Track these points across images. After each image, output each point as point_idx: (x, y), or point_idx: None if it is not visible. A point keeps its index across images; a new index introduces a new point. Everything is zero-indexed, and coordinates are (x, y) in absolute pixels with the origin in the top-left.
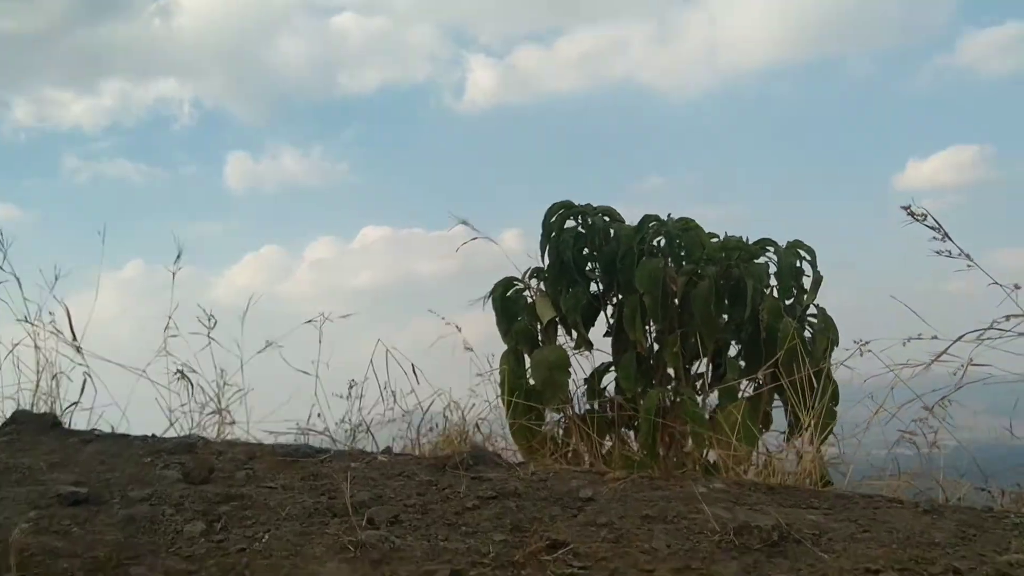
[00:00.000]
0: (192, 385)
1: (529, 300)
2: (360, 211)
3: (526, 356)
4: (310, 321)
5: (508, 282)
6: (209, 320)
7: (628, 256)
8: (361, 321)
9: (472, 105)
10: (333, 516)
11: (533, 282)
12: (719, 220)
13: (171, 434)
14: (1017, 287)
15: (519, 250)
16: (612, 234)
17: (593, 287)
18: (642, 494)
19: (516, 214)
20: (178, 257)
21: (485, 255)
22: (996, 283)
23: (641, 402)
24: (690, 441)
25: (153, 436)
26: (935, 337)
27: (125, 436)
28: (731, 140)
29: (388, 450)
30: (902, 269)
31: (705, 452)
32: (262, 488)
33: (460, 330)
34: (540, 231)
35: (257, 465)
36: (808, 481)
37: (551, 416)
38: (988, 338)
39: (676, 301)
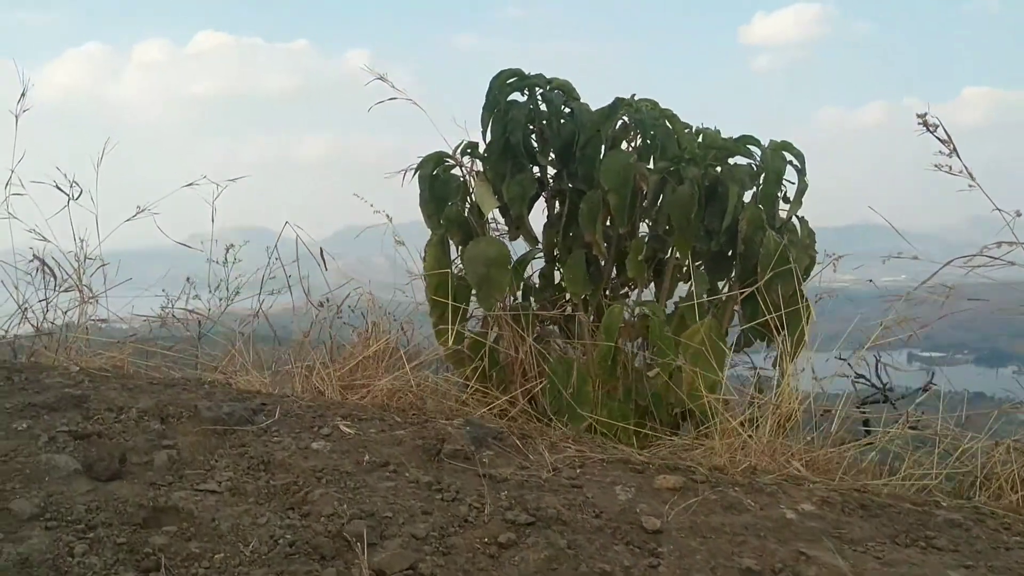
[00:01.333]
0: (47, 268)
1: (462, 181)
2: (195, 14)
3: (454, 247)
4: (190, 185)
5: (438, 158)
6: (71, 186)
7: (592, 144)
8: (205, 131)
9: None
10: (321, 558)
11: (467, 160)
12: (567, 55)
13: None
14: (1019, 214)
15: (409, 89)
16: (571, 114)
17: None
18: (717, 519)
19: (365, 33)
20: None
21: (330, 74)
22: (998, 209)
23: (591, 314)
24: (654, 372)
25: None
26: (916, 257)
27: None
28: None
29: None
30: (736, 120)
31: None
32: (200, 491)
33: (391, 220)
34: (482, 105)
35: (180, 439)
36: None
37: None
38: (978, 265)
39: (644, 203)
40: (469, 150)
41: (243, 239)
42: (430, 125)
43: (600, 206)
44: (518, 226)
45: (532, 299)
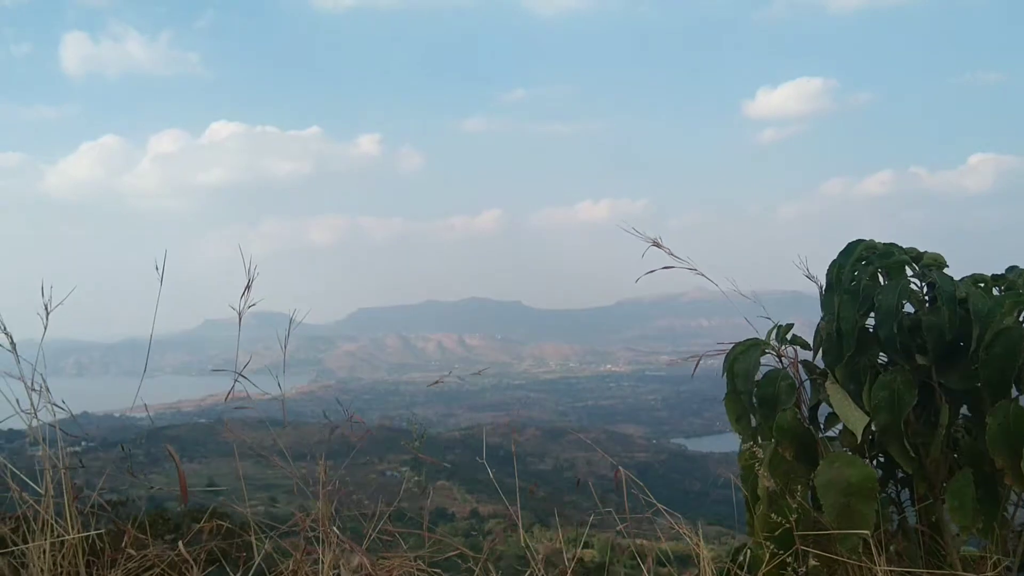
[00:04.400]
0: None
1: (792, 380)
2: (210, 105)
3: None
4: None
5: (753, 346)
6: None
7: (1002, 341)
8: (219, 218)
9: (335, 2)
10: None
11: (789, 350)
12: (576, 134)
13: None
14: None
15: (418, 171)
16: (957, 300)
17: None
18: None
19: (376, 118)
20: None
21: (340, 158)
22: None
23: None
24: None
25: None
26: None
27: None
28: (594, 57)
29: None
30: (741, 192)
31: None
32: None
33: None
34: (824, 284)
35: None
36: None
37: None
38: None
39: None
40: (785, 334)
41: (258, 324)
42: (435, 203)
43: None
44: (884, 441)
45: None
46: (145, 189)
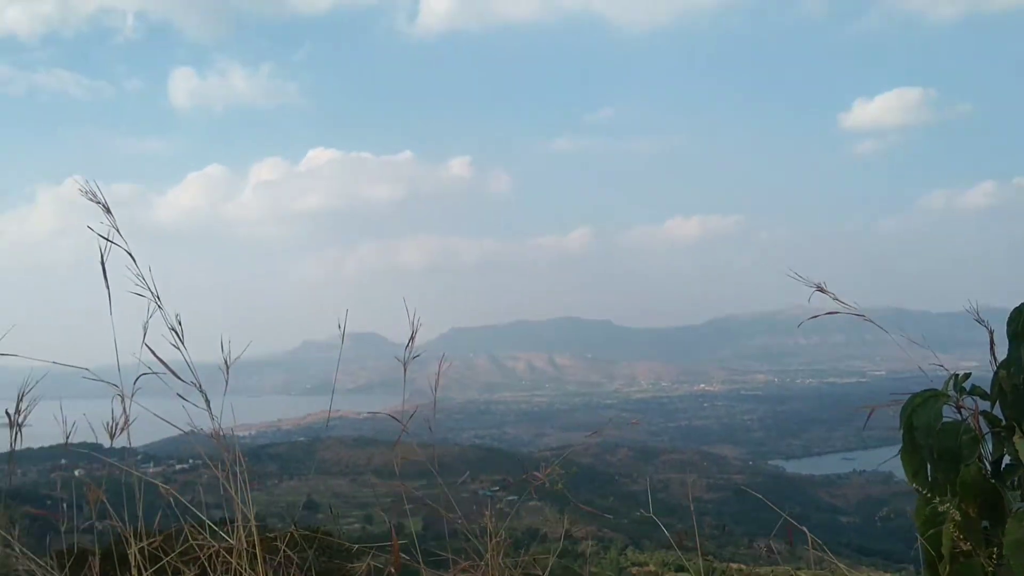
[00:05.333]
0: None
1: (974, 434)
2: (308, 133)
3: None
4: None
5: (931, 397)
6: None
7: None
8: (315, 243)
9: (425, 30)
10: None
11: (968, 400)
12: (665, 151)
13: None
14: None
15: (508, 192)
16: None
17: None
18: None
19: (466, 142)
20: None
21: (432, 181)
22: None
23: None
24: None
25: None
26: None
27: None
28: (682, 74)
29: None
30: (836, 206)
31: None
32: None
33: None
34: (1009, 332)
35: None
36: None
37: None
38: None
39: None
40: (963, 385)
41: (354, 344)
42: (534, 222)
43: None
44: None
45: None
46: (247, 217)
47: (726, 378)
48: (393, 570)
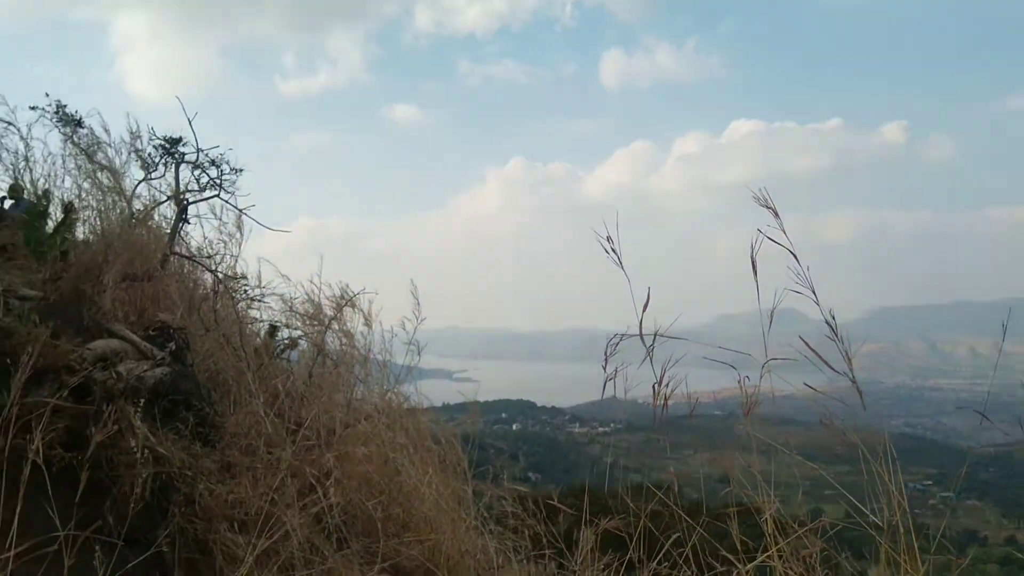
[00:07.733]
0: None
1: None
2: (730, 105)
3: None
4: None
5: None
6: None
7: None
8: (732, 217)
9: None
10: None
11: None
12: None
13: None
14: None
15: (950, 159)
16: None
17: None
18: None
19: (902, 106)
20: None
21: (861, 150)
22: None
23: None
24: None
25: None
26: None
27: None
28: None
29: None
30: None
31: None
32: None
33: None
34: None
35: None
36: None
37: None
38: None
39: None
40: None
41: (774, 320)
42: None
43: None
44: None
45: None
46: (669, 189)
47: None
48: (814, 554)
